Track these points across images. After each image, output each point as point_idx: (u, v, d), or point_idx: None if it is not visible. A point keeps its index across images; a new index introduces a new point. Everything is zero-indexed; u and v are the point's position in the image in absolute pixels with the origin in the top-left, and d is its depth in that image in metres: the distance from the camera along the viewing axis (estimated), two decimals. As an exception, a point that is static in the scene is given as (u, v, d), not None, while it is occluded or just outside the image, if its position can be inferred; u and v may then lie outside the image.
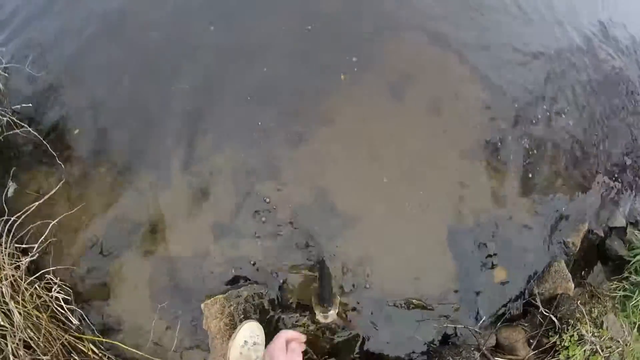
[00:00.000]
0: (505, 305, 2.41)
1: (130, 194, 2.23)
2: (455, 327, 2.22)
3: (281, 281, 2.10)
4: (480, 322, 2.30)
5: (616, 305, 2.63)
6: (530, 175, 2.76)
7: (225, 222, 2.15)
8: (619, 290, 2.67)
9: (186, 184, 2.21)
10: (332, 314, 1.87)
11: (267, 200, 2.18)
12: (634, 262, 2.72)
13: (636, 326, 2.52)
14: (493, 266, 2.42)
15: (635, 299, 2.57)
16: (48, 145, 2.21)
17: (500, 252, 2.48)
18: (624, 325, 2.48)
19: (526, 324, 2.42)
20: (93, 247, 2.18)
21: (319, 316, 1.89)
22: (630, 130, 3.48)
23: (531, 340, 2.32)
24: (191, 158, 2.26)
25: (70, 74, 2.49)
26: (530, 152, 2.80)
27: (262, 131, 2.28)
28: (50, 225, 1.99)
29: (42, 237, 1.98)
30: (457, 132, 2.65)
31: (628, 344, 2.39)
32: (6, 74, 2.46)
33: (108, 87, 2.44)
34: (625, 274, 2.73)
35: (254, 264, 2.12)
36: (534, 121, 2.91)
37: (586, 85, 3.34)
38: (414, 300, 2.18)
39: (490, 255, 2.42)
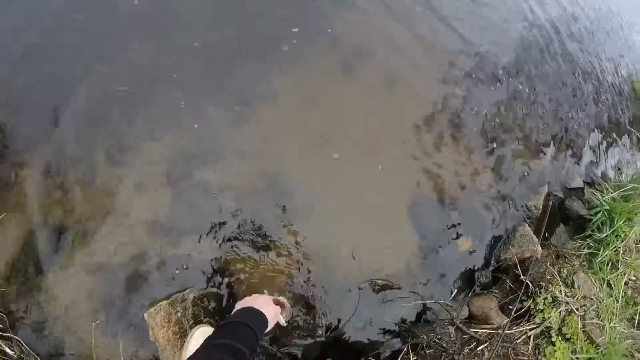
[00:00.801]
0: (474, 274, 2.31)
1: (57, 197, 1.96)
2: (425, 304, 2.10)
3: (230, 278, 1.89)
4: (451, 295, 2.20)
5: (583, 263, 2.61)
6: (489, 143, 2.72)
7: (162, 218, 1.91)
8: (584, 248, 2.66)
9: (115, 178, 1.96)
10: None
11: (209, 189, 1.97)
12: (595, 221, 2.72)
13: (605, 282, 2.50)
14: (458, 236, 2.33)
15: (601, 255, 2.56)
16: None
17: (463, 222, 2.39)
18: (594, 283, 2.46)
19: (497, 292, 2.35)
20: (18, 265, 1.90)
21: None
22: (583, 96, 3.56)
23: (505, 307, 2.25)
24: (123, 150, 2.01)
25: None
26: (488, 120, 2.76)
27: (198, 114, 2.07)
28: None
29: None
30: (413, 103, 2.57)
31: (601, 300, 2.36)
32: None
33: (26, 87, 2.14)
34: (588, 232, 2.73)
35: (198, 262, 1.89)
36: (492, 88, 2.89)
37: (543, 51, 3.39)
38: (378, 281, 2.03)
39: (454, 225, 2.33)
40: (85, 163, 1.99)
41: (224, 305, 1.89)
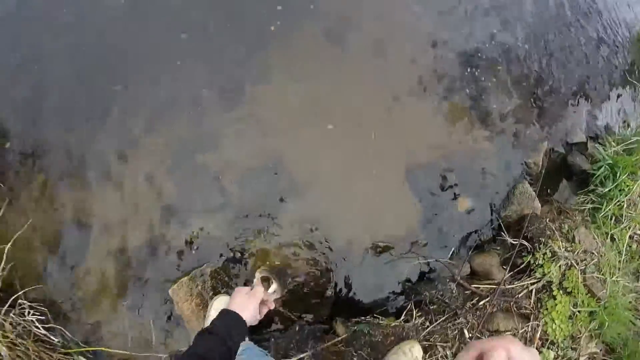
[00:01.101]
0: (474, 233, 2.39)
1: (74, 197, 2.13)
2: (427, 263, 2.20)
3: (241, 252, 2.04)
4: (452, 253, 2.29)
5: (585, 218, 2.63)
6: (484, 102, 2.72)
7: (172, 202, 2.06)
8: (587, 203, 2.68)
9: (126, 173, 2.11)
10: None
11: (211, 171, 2.09)
12: (598, 175, 2.71)
13: (609, 236, 2.53)
14: (455, 197, 2.39)
15: (604, 210, 2.57)
16: None
17: (461, 182, 2.44)
18: (596, 237, 2.49)
19: (498, 248, 2.43)
20: (52, 260, 2.09)
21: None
22: (581, 48, 3.46)
23: (504, 266, 2.32)
24: (125, 145, 2.15)
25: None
26: (482, 79, 2.75)
27: (193, 100, 2.17)
28: (6, 249, 1.92)
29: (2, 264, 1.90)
30: (402, 69, 2.57)
31: (603, 255, 2.41)
32: None
33: (28, 94, 2.27)
34: (591, 187, 2.73)
35: (210, 241, 2.04)
36: (483, 46, 2.85)
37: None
38: (380, 244, 2.14)
39: (451, 186, 2.38)
40: (98, 162, 2.15)
41: (238, 276, 2.05)
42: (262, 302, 1.37)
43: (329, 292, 2.05)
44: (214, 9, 2.29)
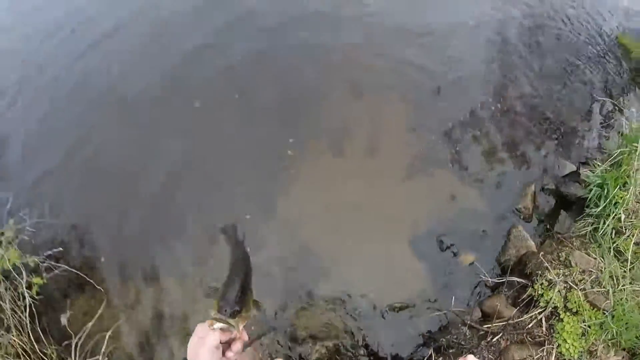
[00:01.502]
0: (480, 281, 2.88)
1: (157, 295, 2.99)
2: (441, 314, 2.74)
3: (286, 319, 2.80)
4: (461, 302, 2.79)
5: (585, 241, 2.90)
6: (467, 168, 3.39)
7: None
8: (586, 226, 2.95)
9: (197, 275, 3.04)
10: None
11: (263, 266, 2.92)
12: (591, 197, 3.00)
13: (611, 250, 2.71)
14: (455, 254, 2.97)
15: (602, 228, 2.81)
16: (85, 277, 2.90)
17: (460, 240, 3.03)
18: (595, 256, 2.75)
19: (505, 289, 2.84)
20: (145, 345, 2.88)
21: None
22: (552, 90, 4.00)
23: (511, 304, 2.71)
24: (196, 255, 3.05)
25: (83, 215, 3.34)
26: (461, 148, 3.47)
27: (239, 211, 3.14)
28: (107, 336, 2.58)
29: (104, 348, 2.53)
30: (393, 162, 3.42)
31: (602, 270, 2.64)
32: (33, 229, 3.06)
33: (114, 219, 3.28)
34: (588, 211, 2.99)
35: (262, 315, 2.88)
36: (458, 121, 3.65)
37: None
38: (397, 304, 2.79)
39: (448, 247, 2.99)
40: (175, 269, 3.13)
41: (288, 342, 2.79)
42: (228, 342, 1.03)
43: (361, 351, 2.70)
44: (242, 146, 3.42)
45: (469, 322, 2.66)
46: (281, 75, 3.88)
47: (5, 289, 2.74)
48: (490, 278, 2.86)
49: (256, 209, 3.19)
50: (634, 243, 2.72)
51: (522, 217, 3.16)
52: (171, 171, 3.40)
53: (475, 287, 2.89)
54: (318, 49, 4.06)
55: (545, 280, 2.64)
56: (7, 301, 2.77)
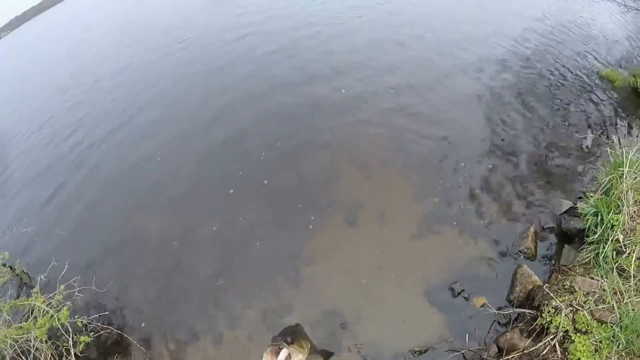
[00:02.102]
0: (494, 319, 3.08)
1: (194, 354, 3.47)
2: (460, 354, 2.94)
3: None
4: (479, 341, 2.98)
5: (589, 267, 3.03)
6: (469, 220, 3.80)
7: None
8: (589, 253, 3.10)
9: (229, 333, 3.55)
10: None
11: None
12: (589, 226, 3.20)
13: (614, 270, 2.81)
14: (467, 299, 3.28)
15: (602, 251, 2.96)
16: (128, 337, 3.49)
17: (471, 286, 3.35)
18: (597, 278, 2.86)
19: (519, 324, 2.98)
20: None
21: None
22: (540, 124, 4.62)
23: (525, 336, 2.84)
24: (230, 317, 3.59)
25: (127, 285, 4.06)
26: (461, 206, 3.94)
27: (271, 284, 3.74)
28: None
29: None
30: (402, 225, 3.92)
31: (605, 289, 2.74)
32: (81, 295, 3.61)
33: (155, 289, 4.00)
34: (588, 240, 3.15)
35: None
36: (459, 187, 4.19)
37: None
38: (417, 348, 3.07)
39: (460, 292, 3.33)
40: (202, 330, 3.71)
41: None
42: None
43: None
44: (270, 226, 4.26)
45: (486, 357, 2.83)
46: (300, 163, 4.88)
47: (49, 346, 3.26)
48: (502, 313, 3.07)
49: (284, 275, 3.80)
50: (636, 258, 2.84)
51: (525, 256, 3.41)
52: (207, 247, 4.19)
53: (490, 325, 3.08)
54: (329, 140, 5.14)
55: (552, 307, 2.79)
56: (47, 357, 3.28)
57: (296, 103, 6.03)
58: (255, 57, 7.98)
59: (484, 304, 3.22)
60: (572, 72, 5.67)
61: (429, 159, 4.58)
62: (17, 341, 3.52)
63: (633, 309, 2.53)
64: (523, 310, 2.97)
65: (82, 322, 3.45)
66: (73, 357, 3.33)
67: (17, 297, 4.06)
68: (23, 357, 3.54)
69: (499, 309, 3.14)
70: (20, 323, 3.61)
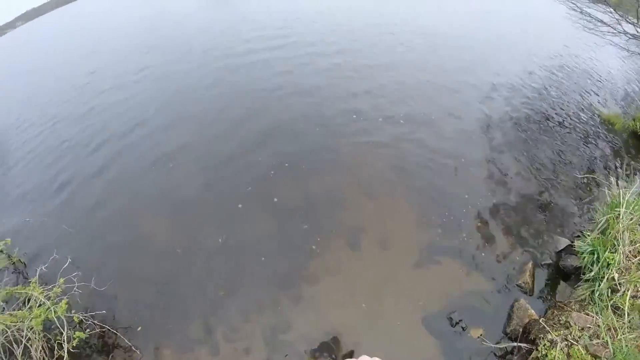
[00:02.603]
0: (490, 352, 3.10)
1: None
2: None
3: None
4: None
5: (585, 304, 3.09)
6: (469, 252, 3.86)
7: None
8: (585, 290, 3.17)
9: (227, 345, 3.51)
10: None
11: (290, 341, 3.44)
12: (585, 264, 3.28)
13: (609, 307, 2.89)
14: (464, 329, 3.30)
15: (597, 289, 3.03)
16: (124, 338, 3.50)
17: (468, 317, 3.38)
18: (592, 314, 2.92)
19: (515, 357, 3.02)
20: None
21: None
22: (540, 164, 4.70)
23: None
24: (231, 329, 3.59)
25: (127, 288, 4.02)
26: (464, 238, 4.00)
27: (272, 300, 3.76)
28: None
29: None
30: (404, 253, 3.99)
31: (599, 325, 2.80)
32: (80, 291, 3.64)
33: (154, 294, 3.98)
34: (584, 277, 3.25)
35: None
36: (462, 219, 4.26)
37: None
38: None
39: (458, 322, 3.35)
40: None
41: None
42: None
43: None
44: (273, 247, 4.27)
45: (480, 389, 2.85)
46: (307, 184, 4.99)
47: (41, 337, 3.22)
48: (498, 346, 3.11)
49: (285, 292, 3.84)
50: (630, 296, 2.91)
51: (523, 291, 3.46)
52: (211, 258, 4.23)
53: (486, 357, 3.10)
54: (337, 163, 5.29)
55: (547, 341, 2.84)
56: (39, 349, 3.26)
57: (307, 124, 6.23)
58: (272, 74, 8.24)
59: (481, 334, 3.25)
60: (574, 113, 5.90)
61: (434, 188, 4.69)
62: (10, 328, 3.49)
63: (626, 345, 2.60)
64: (519, 344, 3.00)
65: (78, 317, 3.43)
66: (65, 352, 3.29)
67: (12, 285, 4.02)
68: (14, 345, 3.50)
69: (497, 342, 3.17)
70: (14, 311, 3.60)
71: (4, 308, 3.67)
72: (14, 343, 3.52)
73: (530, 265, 3.62)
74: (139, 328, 3.79)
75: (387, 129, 5.84)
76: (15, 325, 3.50)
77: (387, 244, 4.16)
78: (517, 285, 3.53)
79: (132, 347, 3.57)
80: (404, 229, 4.27)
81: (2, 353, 3.56)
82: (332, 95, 6.96)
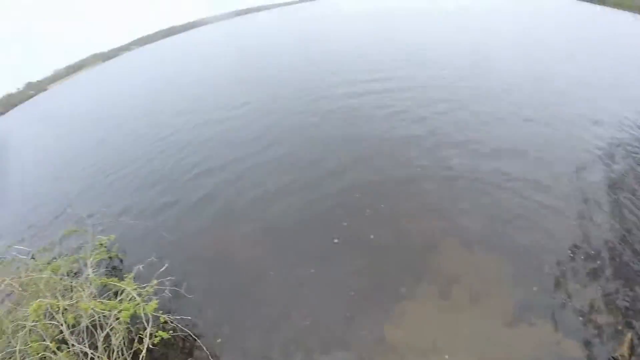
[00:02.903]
0: None
1: None
2: None
3: None
4: None
5: None
6: (567, 317, 3.74)
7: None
8: None
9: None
10: None
11: None
12: None
13: None
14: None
15: None
16: (203, 347, 3.81)
17: None
18: None
19: None
20: None
21: None
22: None
23: None
24: (306, 357, 3.83)
25: (212, 299, 4.42)
26: (558, 302, 3.88)
27: (355, 336, 3.96)
28: None
29: None
30: (496, 308, 3.94)
31: None
32: (170, 294, 4.09)
33: (237, 310, 4.35)
34: None
35: None
36: (560, 280, 4.13)
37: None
38: None
39: None
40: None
41: None
42: None
43: None
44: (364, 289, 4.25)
45: None
46: (403, 226, 5.18)
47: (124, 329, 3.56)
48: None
49: (368, 331, 3.99)
50: None
51: (619, 364, 3.16)
52: (300, 286, 4.49)
53: None
54: (434, 209, 5.39)
55: None
56: (119, 339, 3.54)
57: (409, 168, 6.45)
58: (376, 117, 8.72)
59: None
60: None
61: (533, 245, 4.56)
62: (97, 314, 3.82)
63: None
64: None
65: (164, 318, 3.70)
66: (145, 347, 3.53)
67: (107, 277, 4.45)
68: (98, 330, 3.83)
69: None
70: (104, 300, 3.95)
71: (96, 295, 4.05)
72: (98, 328, 3.87)
73: (629, 336, 3.47)
74: (219, 340, 4.06)
75: (490, 179, 5.83)
76: (102, 312, 3.84)
77: (479, 297, 4.15)
78: (612, 357, 3.31)
79: (209, 356, 3.82)
80: (498, 283, 4.21)
81: (85, 334, 3.91)
82: (432, 141, 7.17)
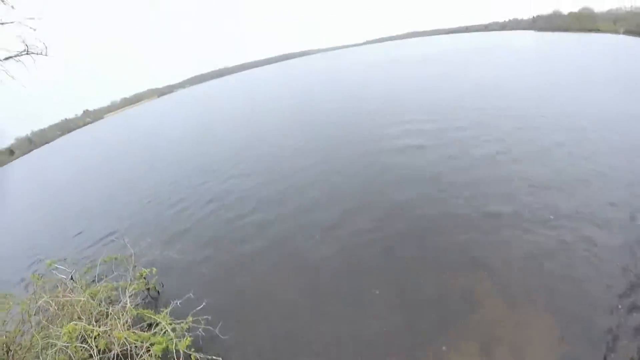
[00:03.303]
0: None
1: None
2: None
3: None
4: None
5: None
6: None
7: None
8: None
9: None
10: None
11: None
12: None
13: None
14: None
15: None
16: None
17: None
18: None
19: None
20: None
21: None
22: None
23: None
24: None
25: (246, 341, 4.15)
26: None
27: None
28: None
29: None
30: None
31: None
32: (204, 333, 4.01)
33: (271, 353, 4.09)
34: None
35: None
36: (607, 340, 3.65)
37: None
38: None
39: None
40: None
41: None
42: None
43: None
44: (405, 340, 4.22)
45: None
46: (444, 278, 4.83)
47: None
48: None
49: None
50: None
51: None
52: (336, 335, 4.29)
53: None
54: (477, 262, 4.99)
55: None
56: None
57: (450, 217, 6.22)
58: (419, 167, 8.62)
59: None
60: None
61: (577, 301, 4.16)
62: (130, 344, 3.79)
63: None
64: None
65: (196, 356, 3.59)
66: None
67: (142, 308, 4.48)
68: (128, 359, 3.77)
69: None
70: (137, 331, 3.93)
71: (130, 324, 4.05)
72: (128, 357, 3.80)
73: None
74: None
75: (536, 229, 5.47)
76: (135, 343, 3.80)
77: (523, 358, 3.73)
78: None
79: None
80: (543, 342, 3.82)
81: None
82: (478, 193, 6.92)
